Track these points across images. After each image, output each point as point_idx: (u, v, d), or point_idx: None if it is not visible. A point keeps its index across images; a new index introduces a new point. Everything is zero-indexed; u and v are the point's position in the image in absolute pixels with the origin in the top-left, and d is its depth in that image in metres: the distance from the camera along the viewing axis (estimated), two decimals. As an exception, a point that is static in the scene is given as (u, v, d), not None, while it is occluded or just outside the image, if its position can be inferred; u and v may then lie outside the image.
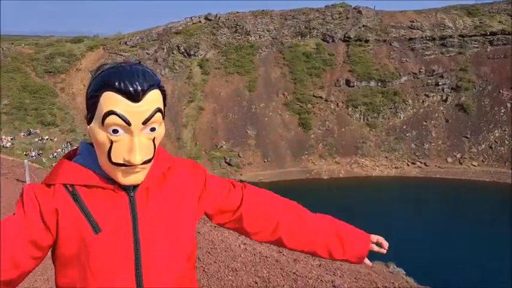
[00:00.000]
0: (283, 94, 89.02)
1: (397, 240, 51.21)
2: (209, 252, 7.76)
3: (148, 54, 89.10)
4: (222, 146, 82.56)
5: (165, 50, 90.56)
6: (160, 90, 2.06)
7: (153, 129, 2.00)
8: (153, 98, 1.97)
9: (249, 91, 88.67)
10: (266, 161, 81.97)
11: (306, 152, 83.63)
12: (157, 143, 2.07)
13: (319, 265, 8.27)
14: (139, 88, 1.88)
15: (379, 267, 12.97)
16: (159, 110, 2.00)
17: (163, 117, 2.05)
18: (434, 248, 51.82)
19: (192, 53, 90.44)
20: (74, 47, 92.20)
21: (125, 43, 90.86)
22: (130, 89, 1.86)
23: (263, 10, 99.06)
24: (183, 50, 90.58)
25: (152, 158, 2.03)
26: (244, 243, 8.87)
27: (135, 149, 1.90)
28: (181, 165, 2.40)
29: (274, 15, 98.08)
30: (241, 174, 79.57)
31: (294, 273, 7.08)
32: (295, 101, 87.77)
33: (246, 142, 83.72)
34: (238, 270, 6.93)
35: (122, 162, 1.93)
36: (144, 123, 1.93)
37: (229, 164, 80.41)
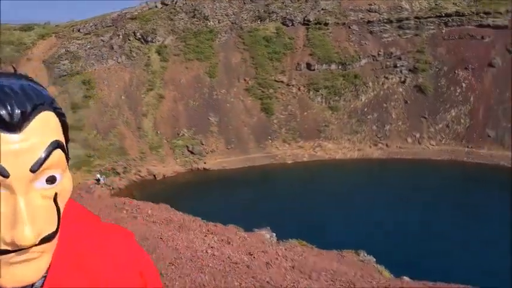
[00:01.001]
0: (245, 79, 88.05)
1: (364, 223, 51.81)
2: (173, 264, 6.98)
3: (103, 41, 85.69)
4: (183, 134, 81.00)
5: (121, 37, 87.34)
6: (55, 113, 1.23)
7: (51, 180, 1.17)
8: (43, 126, 1.14)
9: (209, 77, 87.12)
10: (229, 147, 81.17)
11: (269, 137, 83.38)
12: (62, 205, 1.21)
13: (293, 267, 7.72)
14: (17, 111, 1.09)
15: (350, 257, 12.74)
16: (57, 144, 1.17)
17: (67, 158, 1.24)
18: (398, 229, 53.04)
19: (149, 39, 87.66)
20: (23, 35, 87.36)
21: (78, 30, 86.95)
22: (2, 112, 1.07)
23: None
24: (139, 37, 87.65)
25: (56, 232, 1.17)
26: (212, 247, 8.16)
27: (20, 218, 1.07)
28: (112, 256, 1.41)
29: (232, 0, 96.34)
30: (204, 163, 78.54)
31: (268, 282, 6.46)
32: (257, 86, 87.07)
33: (208, 129, 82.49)
34: (207, 285, 6.19)
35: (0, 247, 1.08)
36: (34, 170, 1.12)
37: (192, 153, 79.09)
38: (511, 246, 47.59)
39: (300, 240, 15.10)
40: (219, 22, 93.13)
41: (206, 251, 7.97)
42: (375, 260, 14.84)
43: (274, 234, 15.28)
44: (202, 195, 65.15)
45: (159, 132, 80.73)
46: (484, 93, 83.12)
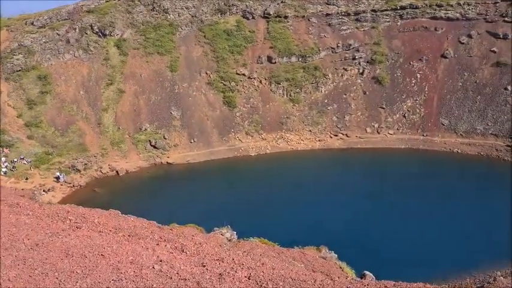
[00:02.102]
0: (206, 73, 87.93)
1: (327, 216, 52.74)
2: (111, 288, 6.57)
3: (59, 35, 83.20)
4: (146, 129, 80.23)
5: (77, 30, 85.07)
6: None
7: None
8: None
9: (171, 71, 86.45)
10: (193, 141, 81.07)
11: (232, 130, 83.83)
12: None
13: (248, 277, 7.58)
14: None
15: (312, 254, 12.79)
16: None
17: None
18: (359, 220, 54.77)
19: (107, 32, 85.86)
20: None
21: (32, 24, 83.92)
22: None
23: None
24: (97, 30, 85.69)
25: None
26: (161, 261, 7.85)
27: None
28: None
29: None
30: (168, 157, 78.16)
31: (218, 301, 6.48)
32: (219, 79, 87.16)
33: (171, 123, 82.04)
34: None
35: None
36: None
37: (154, 147, 78.51)
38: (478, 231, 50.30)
39: (261, 239, 14.82)
40: (179, 15, 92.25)
41: (153, 267, 7.50)
42: (336, 256, 14.76)
43: (235, 232, 15.29)
44: (165, 192, 64.80)
45: (120, 127, 79.58)
46: (438, 84, 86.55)
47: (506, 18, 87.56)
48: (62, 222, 11.64)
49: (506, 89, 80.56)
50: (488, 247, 46.24)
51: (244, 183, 67.89)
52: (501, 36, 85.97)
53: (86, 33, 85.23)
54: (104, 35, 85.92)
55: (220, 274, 7.17)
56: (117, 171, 72.01)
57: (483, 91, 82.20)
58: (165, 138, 79.91)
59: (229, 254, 7.48)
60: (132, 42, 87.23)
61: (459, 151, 76.36)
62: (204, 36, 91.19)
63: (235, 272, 7.35)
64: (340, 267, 11.93)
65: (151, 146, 78.48)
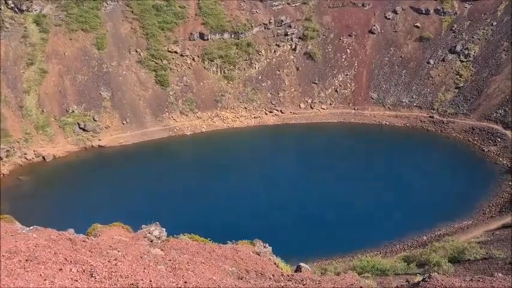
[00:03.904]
0: (136, 51, 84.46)
1: (260, 205, 52.36)
2: None
3: (-32, 10, 75.75)
4: (73, 111, 76.10)
5: (-10, 6, 77.85)
6: None
7: None
8: None
9: (97, 49, 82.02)
10: (125, 122, 78.21)
11: (166, 110, 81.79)
12: None
13: None
14: None
15: (245, 250, 12.25)
16: None
17: None
18: (292, 200, 55.92)
19: (24, 8, 79.36)
20: None
21: None
22: None
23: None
24: (12, 5, 78.91)
25: None
26: None
27: None
28: None
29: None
30: (99, 140, 74.90)
31: None
32: (150, 57, 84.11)
33: (100, 104, 78.40)
34: None
35: None
36: None
37: (84, 130, 74.85)
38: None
39: (192, 235, 14.13)
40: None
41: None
42: (271, 249, 14.39)
43: (165, 229, 14.38)
44: (94, 179, 61.70)
45: (44, 110, 74.77)
46: (367, 58, 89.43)
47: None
48: None
49: (428, 62, 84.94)
50: (413, 213, 49.31)
51: (178, 167, 66.21)
52: (424, 11, 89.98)
53: (0, 9, 78.30)
54: (21, 11, 79.39)
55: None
56: (43, 157, 68.06)
57: (408, 65, 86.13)
58: (95, 120, 76.42)
59: (148, 273, 6.84)
60: (53, 18, 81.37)
61: (387, 123, 79.96)
62: (132, 11, 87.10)
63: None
64: (275, 263, 11.74)
65: (81, 128, 74.79)
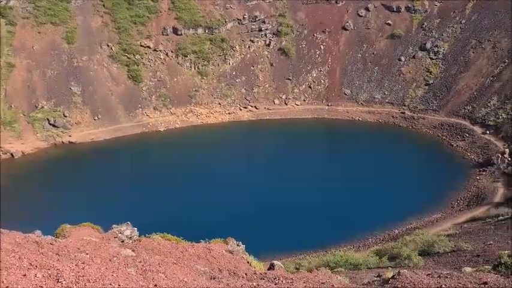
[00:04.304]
0: (108, 45, 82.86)
1: (234, 200, 52.11)
2: None
3: None
4: (42, 107, 74.19)
5: (-47, -3, 74.97)
6: None
7: None
8: None
9: (67, 43, 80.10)
10: (97, 118, 76.76)
11: (139, 106, 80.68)
12: None
13: None
14: None
15: (218, 248, 12.11)
16: None
17: None
18: (266, 196, 56.14)
19: (-11, 0, 76.74)
20: None
21: None
22: None
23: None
24: (-23, -3, 76.22)
25: None
26: None
27: None
28: None
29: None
30: (70, 136, 73.31)
31: None
32: (122, 52, 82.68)
33: (71, 100, 76.68)
34: None
35: None
36: None
37: (54, 126, 73.12)
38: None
39: (165, 234, 13.89)
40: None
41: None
42: (244, 247, 14.35)
43: (136, 229, 14.09)
44: (64, 177, 60.13)
45: (12, 105, 72.65)
46: (340, 55, 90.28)
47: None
48: None
49: (400, 59, 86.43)
50: (385, 207, 50.28)
51: (151, 164, 65.31)
52: (395, 9, 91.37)
53: (-36, 0, 75.59)
54: (-14, 3, 76.79)
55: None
56: (11, 154, 66.19)
57: (380, 62, 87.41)
58: (66, 116, 74.74)
59: (117, 276, 6.66)
60: (20, 11, 78.98)
61: (360, 119, 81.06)
62: (103, 5, 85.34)
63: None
64: (248, 262, 11.71)
65: (50, 124, 73.03)
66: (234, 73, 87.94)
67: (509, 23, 79.80)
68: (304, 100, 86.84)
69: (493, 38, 79.94)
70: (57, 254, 7.05)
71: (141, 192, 55.05)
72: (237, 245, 14.00)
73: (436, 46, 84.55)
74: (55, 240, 8.88)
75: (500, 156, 57.78)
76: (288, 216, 48.69)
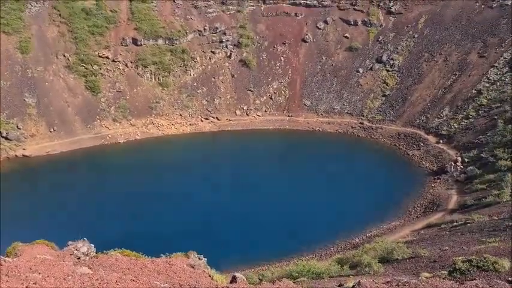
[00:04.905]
0: (64, 55, 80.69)
1: (194, 213, 51.36)
2: None
3: None
4: (-6, 119, 71.09)
5: None
6: None
7: None
8: None
9: (21, 53, 77.41)
10: (53, 130, 74.30)
11: (97, 117, 78.77)
12: None
13: None
14: None
15: (179, 263, 11.78)
16: None
17: None
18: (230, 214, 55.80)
19: None
20: None
21: None
22: None
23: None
24: None
25: None
26: None
27: None
28: None
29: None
30: (24, 149, 70.48)
31: None
32: (79, 62, 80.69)
33: (25, 112, 73.92)
34: None
35: None
36: None
37: (6, 139, 70.10)
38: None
39: (123, 250, 13.37)
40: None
41: None
42: (206, 260, 14.06)
43: (93, 245, 13.55)
44: (16, 192, 57.32)
45: (-39, 118, 69.28)
46: (300, 66, 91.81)
47: (355, 7, 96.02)
48: None
49: (358, 71, 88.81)
50: (345, 216, 51.09)
51: (109, 177, 63.56)
52: (352, 23, 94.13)
53: None
54: None
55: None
56: (-41, 169, 62.82)
57: (339, 73, 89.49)
58: (19, 128, 71.92)
59: None
60: (-30, 20, 75.83)
61: (320, 129, 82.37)
62: (60, 14, 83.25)
63: None
64: (210, 276, 11.51)
65: (3, 137, 70.03)
66: (195, 84, 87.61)
67: (459, 38, 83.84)
68: (265, 111, 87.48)
69: (444, 51, 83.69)
70: (6, 275, 6.66)
71: (99, 206, 53.45)
72: (199, 258, 13.78)
73: (392, 59, 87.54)
74: (4, 260, 8.39)
75: (453, 164, 60.16)
76: (250, 227, 48.60)
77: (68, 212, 51.78)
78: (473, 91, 73.93)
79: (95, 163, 69.19)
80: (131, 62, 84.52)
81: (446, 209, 49.12)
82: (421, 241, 34.66)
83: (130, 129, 79.15)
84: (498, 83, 72.02)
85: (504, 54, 75.95)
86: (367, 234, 47.06)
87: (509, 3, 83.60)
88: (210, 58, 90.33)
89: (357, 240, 46.28)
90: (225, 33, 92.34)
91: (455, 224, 39.42)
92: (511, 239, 25.38)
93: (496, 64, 75.49)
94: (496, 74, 73.90)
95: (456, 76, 79.08)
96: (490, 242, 26.10)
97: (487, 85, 73.21)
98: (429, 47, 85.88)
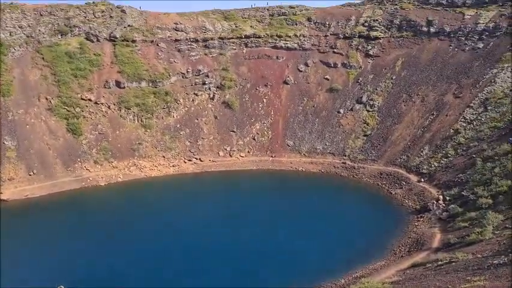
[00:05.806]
0: (46, 98, 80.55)
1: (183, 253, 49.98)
2: None
3: None
4: (-29, 163, 69.63)
5: None
6: None
7: None
8: None
9: (3, 96, 77.08)
10: (32, 173, 72.94)
11: (79, 160, 77.84)
12: None
13: None
14: None
15: None
16: None
17: None
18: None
19: None
20: None
21: None
22: None
23: (11, 3, 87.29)
24: None
25: None
26: None
27: None
28: None
29: (26, 10, 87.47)
30: (1, 193, 68.77)
31: None
32: (61, 105, 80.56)
33: (4, 155, 72.69)
34: None
35: None
36: None
37: (-16, 183, 68.48)
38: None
39: None
40: (11, 34, 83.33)
41: None
42: None
43: None
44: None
45: None
46: (282, 108, 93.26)
47: (335, 50, 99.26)
48: None
49: (339, 112, 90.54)
50: (329, 257, 50.53)
51: (87, 221, 61.45)
52: (332, 65, 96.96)
53: None
54: None
55: None
56: None
57: (320, 114, 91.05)
58: (-3, 172, 70.41)
59: None
60: (-49, 63, 75.65)
61: (303, 169, 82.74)
62: (43, 58, 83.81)
63: None
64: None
65: (-21, 181, 68.37)
66: (178, 126, 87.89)
67: (435, 79, 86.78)
68: (248, 152, 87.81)
69: (421, 92, 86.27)
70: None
71: (77, 253, 51.72)
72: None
73: (372, 99, 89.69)
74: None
75: (435, 202, 60.64)
76: (227, 270, 47.55)
77: (44, 259, 50.01)
78: (451, 130, 75.76)
79: (73, 206, 67.49)
80: (114, 104, 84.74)
81: (430, 247, 48.99)
82: (407, 281, 34.32)
83: (112, 172, 78.25)
84: (475, 123, 74.07)
85: (479, 95, 78.61)
86: (353, 275, 46.41)
87: (480, 46, 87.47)
88: (193, 100, 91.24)
89: (343, 281, 45.57)
90: (207, 76, 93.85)
91: (440, 263, 39.26)
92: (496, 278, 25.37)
93: (472, 104, 77.95)
94: (472, 114, 76.13)
95: (434, 116, 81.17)
96: (475, 281, 26.01)
97: (464, 124, 75.21)
98: (407, 88, 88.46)
